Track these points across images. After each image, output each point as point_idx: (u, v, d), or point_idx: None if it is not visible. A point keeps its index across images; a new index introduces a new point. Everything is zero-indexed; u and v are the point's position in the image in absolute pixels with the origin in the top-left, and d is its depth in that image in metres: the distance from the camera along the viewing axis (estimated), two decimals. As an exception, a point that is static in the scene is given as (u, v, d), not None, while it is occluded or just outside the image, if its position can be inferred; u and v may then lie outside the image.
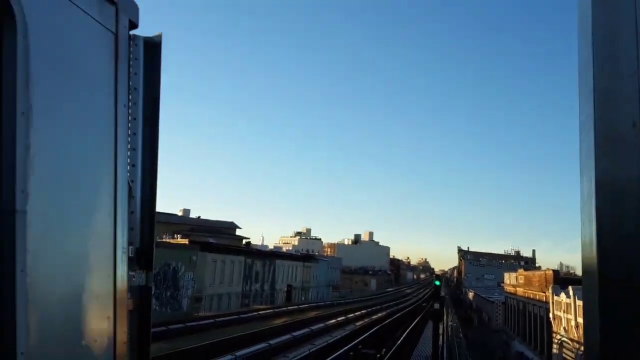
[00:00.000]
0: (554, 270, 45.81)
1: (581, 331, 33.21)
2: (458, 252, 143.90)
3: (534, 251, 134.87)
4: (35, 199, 2.10)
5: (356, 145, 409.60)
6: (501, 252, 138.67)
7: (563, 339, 37.26)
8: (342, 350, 23.74)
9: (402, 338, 31.65)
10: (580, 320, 33.65)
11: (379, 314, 49.55)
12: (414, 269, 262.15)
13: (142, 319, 3.11)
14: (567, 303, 36.34)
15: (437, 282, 35.14)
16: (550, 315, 40.26)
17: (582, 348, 32.64)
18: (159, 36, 3.30)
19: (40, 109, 2.19)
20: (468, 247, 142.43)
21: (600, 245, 1.70)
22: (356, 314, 45.12)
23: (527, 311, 49.70)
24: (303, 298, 70.70)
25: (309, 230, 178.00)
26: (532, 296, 47.92)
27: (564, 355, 37.56)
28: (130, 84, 3.02)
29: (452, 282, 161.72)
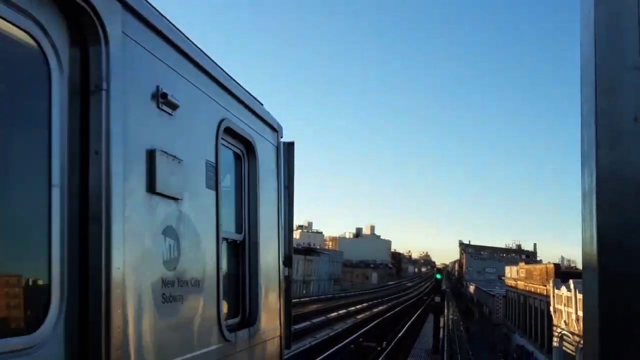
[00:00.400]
0: (555, 264, 45.90)
1: (582, 324, 33.27)
2: (459, 246, 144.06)
3: (535, 245, 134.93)
4: (260, 236, 5.05)
5: (357, 139, 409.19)
6: (502, 245, 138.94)
7: (563, 332, 37.37)
8: (343, 343, 23.82)
9: (403, 331, 31.76)
10: (581, 313, 33.73)
11: (380, 307, 49.69)
12: (415, 262, 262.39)
13: (288, 294, 6.01)
14: (567, 296, 36.42)
15: (438, 276, 35.33)
16: (551, 308, 40.36)
17: (582, 341, 32.71)
18: (293, 141, 6.27)
19: (261, 195, 5.07)
20: (469, 241, 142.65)
21: (601, 239, 1.70)
22: (357, 307, 45.24)
23: (527, 304, 49.84)
24: (304, 291, 70.89)
25: (310, 224, 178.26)
26: (533, 290, 48.02)
27: (564, 348, 37.69)
28: (281, 168, 5.93)
29: (453, 275, 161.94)
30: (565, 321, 36.98)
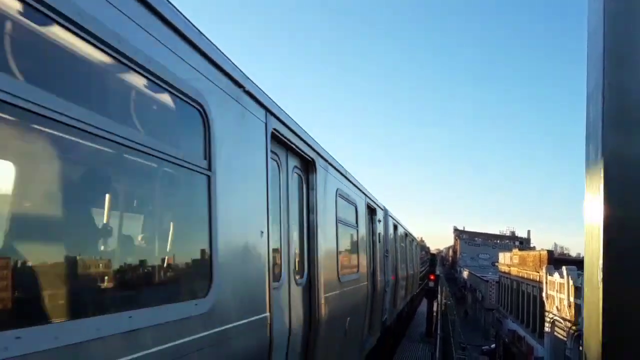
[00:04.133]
0: (548, 251, 46.05)
1: (573, 310, 33.57)
2: (454, 232, 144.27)
3: (529, 232, 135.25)
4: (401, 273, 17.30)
5: (350, 125, 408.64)
6: (496, 232, 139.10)
7: (555, 318, 37.71)
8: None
9: (396, 314, 31.91)
10: (572, 299, 33.97)
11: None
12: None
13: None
14: (560, 283, 36.67)
15: (433, 261, 35.48)
16: (544, 294, 40.66)
17: (573, 327, 33.06)
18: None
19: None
20: (464, 227, 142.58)
21: (607, 217, 1.65)
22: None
23: (520, 290, 50.20)
24: (299, 275, 70.99)
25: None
26: (526, 276, 48.33)
27: (555, 334, 38.06)
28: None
29: (447, 261, 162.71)
30: (557, 307, 37.29)
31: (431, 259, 36.30)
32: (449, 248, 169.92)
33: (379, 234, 12.11)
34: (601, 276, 1.64)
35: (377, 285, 11.12)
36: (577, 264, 37.73)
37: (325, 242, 6.48)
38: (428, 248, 52.01)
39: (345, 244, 8.06)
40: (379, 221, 12.37)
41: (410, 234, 23.69)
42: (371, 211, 11.23)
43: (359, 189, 9.58)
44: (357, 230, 9.14)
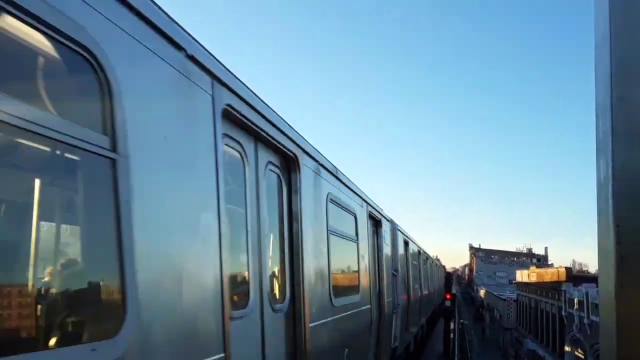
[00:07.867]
0: (566, 268, 45.38)
1: (593, 329, 32.86)
2: (469, 250, 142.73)
3: (546, 248, 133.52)
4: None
5: (363, 141, 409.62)
6: (513, 249, 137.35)
7: (575, 337, 36.91)
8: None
9: (413, 334, 31.48)
10: (593, 317, 33.29)
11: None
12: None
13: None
14: (579, 300, 35.99)
15: (448, 280, 35.23)
16: (563, 313, 39.91)
17: (595, 346, 32.32)
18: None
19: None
20: (479, 244, 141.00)
21: (618, 230, 1.61)
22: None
23: (539, 309, 49.33)
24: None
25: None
26: (544, 294, 47.53)
27: (576, 353, 37.21)
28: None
29: (464, 279, 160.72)
30: (577, 325, 36.53)
31: (446, 278, 36.21)
32: (464, 266, 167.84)
33: (386, 249, 10.68)
34: (615, 291, 1.60)
35: (383, 309, 9.72)
36: (595, 280, 37.03)
37: (313, 258, 5.43)
38: (444, 267, 51.70)
39: (340, 261, 6.86)
40: (386, 235, 10.98)
41: (425, 252, 22.61)
42: (375, 223, 9.84)
43: (358, 195, 8.25)
44: (357, 245, 7.86)
